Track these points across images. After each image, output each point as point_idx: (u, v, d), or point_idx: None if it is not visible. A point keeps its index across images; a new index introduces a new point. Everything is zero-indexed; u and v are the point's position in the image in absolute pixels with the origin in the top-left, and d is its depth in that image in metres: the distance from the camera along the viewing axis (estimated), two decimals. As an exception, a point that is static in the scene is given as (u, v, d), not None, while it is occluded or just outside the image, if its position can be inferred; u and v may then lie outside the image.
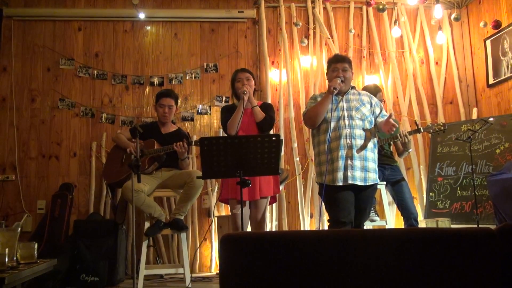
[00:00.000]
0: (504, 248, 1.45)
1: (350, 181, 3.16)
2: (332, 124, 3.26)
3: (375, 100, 3.43)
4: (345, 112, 3.27)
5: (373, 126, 3.34)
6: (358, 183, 3.18)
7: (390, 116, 3.18)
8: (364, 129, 3.26)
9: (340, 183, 3.17)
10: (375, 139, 3.35)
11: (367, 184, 3.22)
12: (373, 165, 3.26)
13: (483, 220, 4.26)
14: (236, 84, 3.58)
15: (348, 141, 3.20)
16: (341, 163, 3.19)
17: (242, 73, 3.61)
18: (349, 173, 3.16)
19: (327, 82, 3.53)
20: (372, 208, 4.34)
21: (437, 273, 1.43)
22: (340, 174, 3.18)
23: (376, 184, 3.34)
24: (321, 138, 3.31)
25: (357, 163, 3.19)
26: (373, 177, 3.25)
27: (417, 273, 1.44)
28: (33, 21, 4.89)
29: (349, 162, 3.18)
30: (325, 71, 3.54)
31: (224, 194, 3.48)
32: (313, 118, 3.31)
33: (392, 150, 4.37)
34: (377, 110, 3.38)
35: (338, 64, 3.37)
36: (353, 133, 3.22)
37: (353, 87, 3.43)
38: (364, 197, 3.27)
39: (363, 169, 3.20)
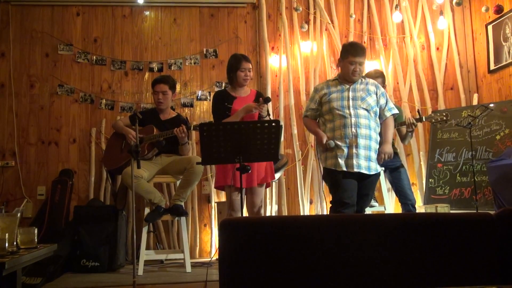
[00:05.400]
0: (503, 233, 1.45)
1: (356, 169, 3.23)
2: (338, 113, 3.28)
3: (381, 90, 3.46)
4: (351, 102, 3.30)
5: (377, 117, 3.37)
6: (363, 171, 3.25)
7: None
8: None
9: (344, 169, 3.22)
10: (378, 128, 3.38)
11: (371, 173, 3.30)
12: (375, 155, 3.34)
13: (482, 206, 4.27)
14: (239, 72, 3.56)
15: (354, 130, 3.25)
16: (345, 151, 3.23)
17: (246, 63, 3.58)
18: (354, 162, 3.23)
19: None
20: (371, 194, 4.36)
21: (437, 257, 1.44)
22: (344, 161, 3.24)
23: (379, 172, 3.41)
24: (327, 126, 3.37)
25: (362, 152, 3.25)
26: (375, 166, 3.34)
27: (417, 257, 1.45)
28: (31, 6, 4.84)
29: (354, 151, 3.23)
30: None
31: (221, 181, 3.48)
32: (310, 131, 3.66)
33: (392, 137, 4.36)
34: (382, 101, 3.41)
35: (356, 58, 3.32)
36: (359, 122, 3.26)
37: (361, 76, 3.43)
38: (367, 183, 3.35)
39: (367, 158, 3.26)
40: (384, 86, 4.28)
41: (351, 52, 3.34)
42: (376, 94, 3.39)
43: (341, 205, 3.21)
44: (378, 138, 3.39)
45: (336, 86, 3.40)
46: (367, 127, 3.27)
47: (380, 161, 3.38)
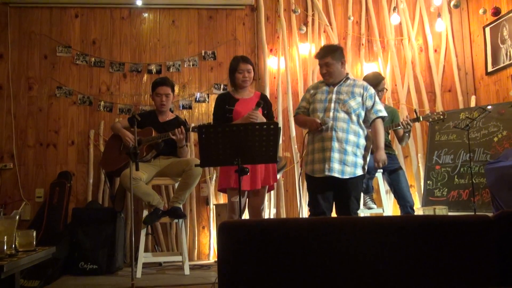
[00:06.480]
0: (501, 235, 1.46)
1: (327, 173, 3.20)
2: (319, 115, 3.28)
3: (370, 92, 3.35)
4: (332, 104, 3.29)
5: (360, 120, 3.33)
6: (336, 175, 3.21)
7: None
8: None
9: (318, 175, 3.23)
10: (361, 131, 3.33)
11: (344, 177, 3.23)
12: (352, 158, 3.24)
13: (480, 208, 4.28)
14: (237, 74, 3.55)
15: (330, 133, 3.22)
16: (321, 155, 3.23)
17: (244, 64, 3.56)
18: (326, 165, 3.20)
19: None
20: (369, 196, 4.36)
21: (435, 259, 1.44)
22: (319, 166, 3.25)
23: (361, 175, 3.33)
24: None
25: (336, 155, 3.21)
26: (350, 171, 3.24)
27: (415, 259, 1.45)
28: (30, 7, 4.84)
29: (327, 154, 3.20)
30: None
31: (224, 184, 3.48)
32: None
33: (390, 139, 4.37)
34: (369, 103, 3.34)
35: (320, 61, 3.37)
36: (336, 125, 3.23)
37: (347, 78, 3.38)
38: (346, 186, 3.26)
39: (341, 162, 3.21)
40: (384, 89, 4.25)
41: (316, 55, 3.43)
42: (362, 96, 3.31)
43: (311, 213, 3.34)
44: (362, 142, 3.30)
45: (322, 87, 3.40)
46: (344, 130, 3.23)
47: (376, 169, 3.41)
